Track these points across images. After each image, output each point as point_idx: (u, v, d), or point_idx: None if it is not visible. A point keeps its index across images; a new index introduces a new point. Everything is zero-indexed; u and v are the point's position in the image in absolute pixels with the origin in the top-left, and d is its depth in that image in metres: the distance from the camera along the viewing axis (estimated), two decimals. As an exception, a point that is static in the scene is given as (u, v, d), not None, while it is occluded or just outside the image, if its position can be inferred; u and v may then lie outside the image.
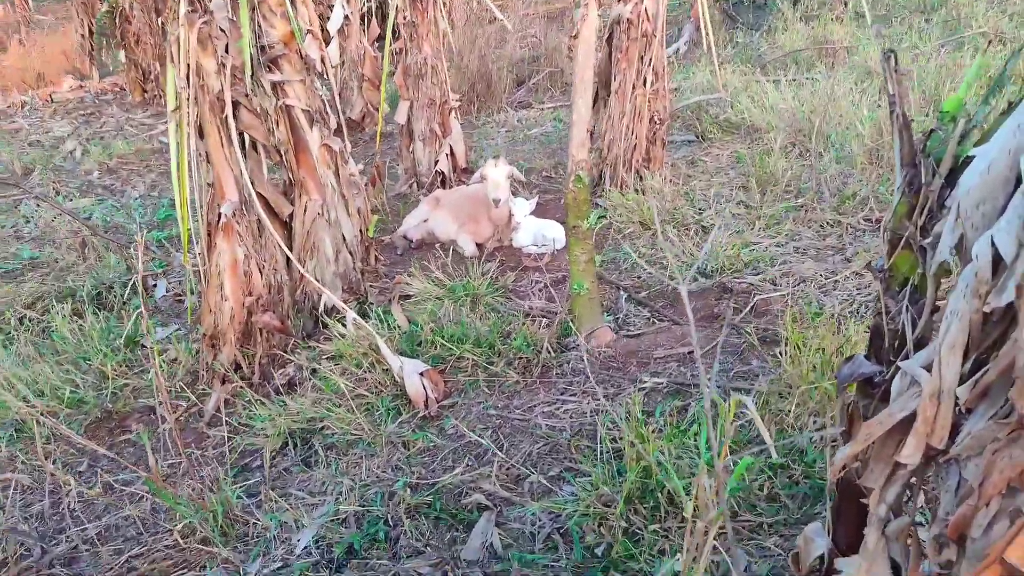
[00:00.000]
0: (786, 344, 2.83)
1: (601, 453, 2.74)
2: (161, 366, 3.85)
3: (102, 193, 7.36)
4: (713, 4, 10.58)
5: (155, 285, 5.04)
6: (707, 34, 5.39)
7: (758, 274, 3.93)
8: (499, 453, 2.87)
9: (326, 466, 2.97)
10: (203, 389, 3.64)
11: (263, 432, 3.18)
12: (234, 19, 3.43)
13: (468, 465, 2.85)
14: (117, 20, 11.54)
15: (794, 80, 6.92)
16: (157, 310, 4.72)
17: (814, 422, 2.57)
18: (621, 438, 2.69)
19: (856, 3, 10.56)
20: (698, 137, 6.51)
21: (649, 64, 5.12)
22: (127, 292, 4.69)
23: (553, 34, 10.53)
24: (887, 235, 1.61)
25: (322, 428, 3.19)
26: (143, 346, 4.16)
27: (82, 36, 12.97)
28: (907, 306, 1.55)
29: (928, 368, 1.37)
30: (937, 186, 1.49)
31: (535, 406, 3.17)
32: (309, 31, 3.79)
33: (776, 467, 2.48)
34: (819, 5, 10.60)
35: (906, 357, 1.58)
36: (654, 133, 5.33)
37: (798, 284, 3.75)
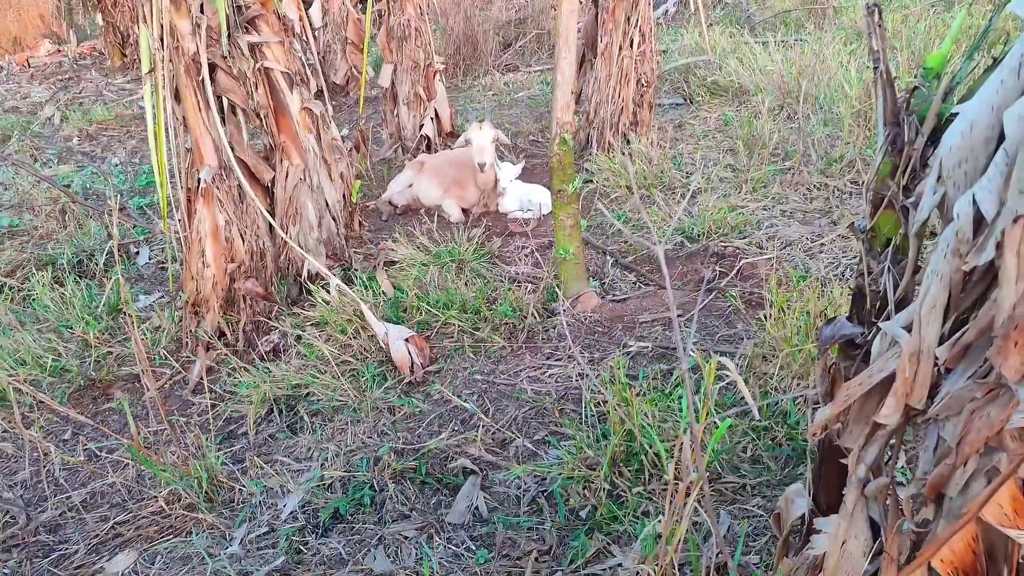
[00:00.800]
0: (771, 307, 2.83)
1: (586, 417, 2.74)
2: (144, 334, 3.83)
3: (82, 160, 7.23)
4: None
5: (137, 252, 4.98)
6: (695, -6, 5.30)
7: (744, 238, 3.92)
8: (484, 418, 2.87)
9: (311, 432, 2.97)
10: (187, 356, 3.61)
11: (247, 399, 3.17)
12: (209, -23, 3.33)
13: (454, 430, 2.85)
14: (95, -19, 11.25)
15: (783, 42, 6.84)
16: (140, 277, 4.67)
17: (798, 384, 2.58)
18: (606, 402, 2.69)
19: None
20: (686, 100, 6.45)
21: (636, 25, 5.04)
22: (108, 259, 4.64)
23: (540, -5, 10.35)
24: (869, 195, 1.59)
25: (307, 394, 3.18)
26: (126, 314, 4.12)
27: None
28: (889, 267, 1.54)
29: (908, 328, 1.37)
30: (920, 145, 1.47)
31: (521, 371, 3.17)
32: (287, -10, 3.69)
33: (760, 429, 2.50)
34: (809, -36, 10.45)
35: (888, 318, 1.57)
36: (641, 96, 5.28)
37: (784, 248, 3.75)
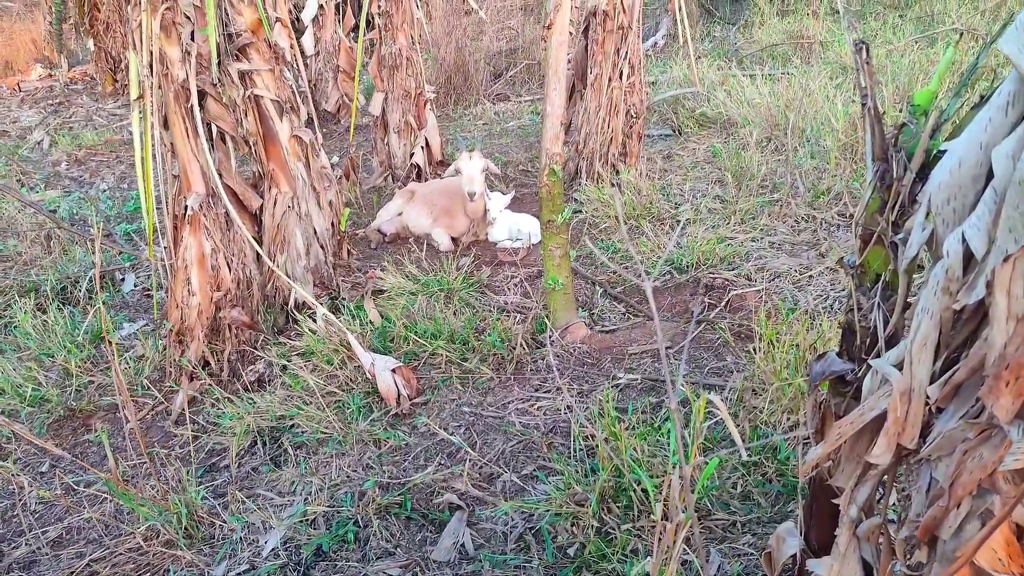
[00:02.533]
0: (760, 340, 2.81)
1: (574, 451, 2.71)
2: (128, 363, 3.77)
3: (69, 185, 7.19)
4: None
5: (123, 279, 4.93)
6: (684, 28, 5.36)
7: (733, 269, 3.92)
8: (471, 452, 2.83)
9: (295, 465, 2.91)
10: (170, 386, 3.56)
11: (231, 430, 3.11)
12: (199, 5, 3.34)
13: (440, 464, 2.80)
14: (86, 7, 11.30)
15: (770, 75, 6.93)
16: (125, 305, 4.62)
17: (788, 419, 2.56)
18: (594, 436, 2.66)
19: (832, 1, 10.62)
20: (675, 131, 6.50)
21: (625, 57, 5.09)
22: (93, 286, 4.58)
23: (530, 26, 10.47)
24: (858, 230, 1.59)
25: (291, 426, 3.13)
26: (108, 342, 4.06)
27: (50, 24, 12.69)
28: (879, 303, 1.53)
29: (899, 366, 1.35)
30: (908, 181, 1.47)
31: (509, 403, 3.13)
32: (278, 19, 3.71)
33: (749, 465, 2.47)
34: (795, 0, 10.65)
35: (878, 355, 1.56)
36: (630, 127, 5.31)
37: (773, 279, 3.75)
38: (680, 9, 5.40)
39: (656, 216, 4.58)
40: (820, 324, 2.86)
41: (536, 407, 3.07)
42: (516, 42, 10.28)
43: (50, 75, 12.47)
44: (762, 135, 5.39)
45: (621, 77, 5.10)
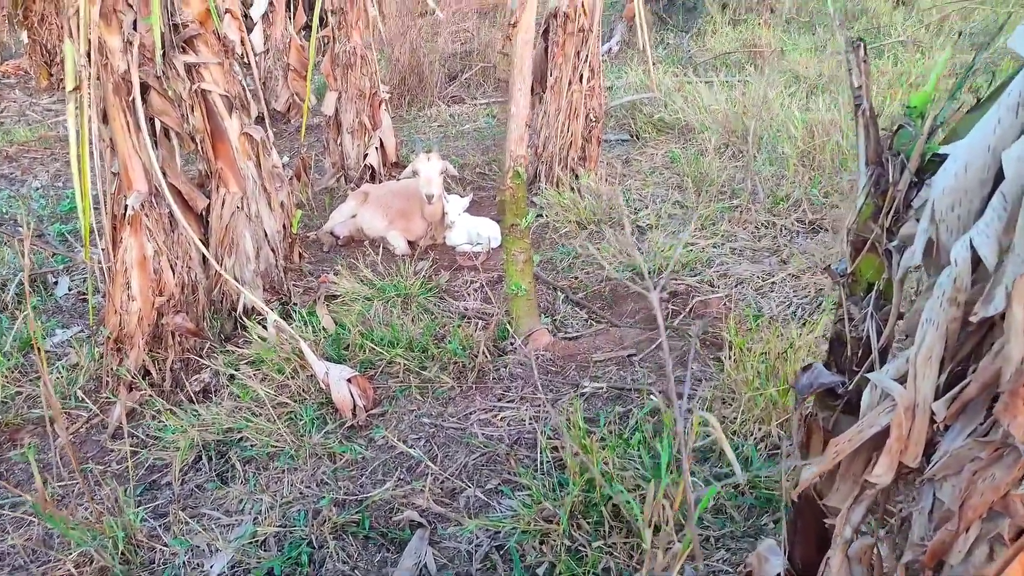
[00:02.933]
0: (729, 349, 2.75)
1: (541, 464, 2.60)
2: (60, 372, 3.53)
3: (-1, 183, 6.80)
4: (644, 5, 10.63)
5: (56, 282, 4.64)
6: (643, 34, 5.33)
7: (695, 275, 3.87)
8: (432, 465, 2.70)
9: (243, 482, 2.73)
10: (107, 397, 3.33)
11: (173, 445, 2.91)
12: (143, -7, 3.14)
13: (399, 479, 2.67)
14: (21, -2, 10.77)
15: (726, 82, 6.97)
16: (58, 309, 4.34)
17: (759, 429, 2.50)
18: (562, 448, 2.56)
19: (783, 9, 10.81)
20: (632, 136, 6.47)
21: (585, 60, 5.03)
22: (22, 290, 4.30)
23: (486, 29, 10.38)
24: (850, 237, 1.52)
25: (240, 439, 2.95)
26: (38, 349, 3.80)
27: (-13, 13, 12.07)
28: (872, 313, 1.47)
29: (901, 380, 1.28)
30: (905, 185, 1.41)
31: (471, 414, 3.01)
32: (228, 10, 3.53)
33: (721, 477, 2.40)
34: (746, 10, 10.80)
35: (871, 367, 1.49)
36: (590, 131, 5.25)
37: (736, 286, 3.72)
38: (639, 15, 5.37)
39: (617, 221, 4.52)
40: (789, 332, 2.81)
41: (499, 418, 2.96)
42: (471, 44, 10.17)
43: (-20, 68, 11.84)
44: (720, 141, 5.39)
45: (581, 80, 5.04)
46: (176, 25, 3.34)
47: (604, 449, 2.38)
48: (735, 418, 2.57)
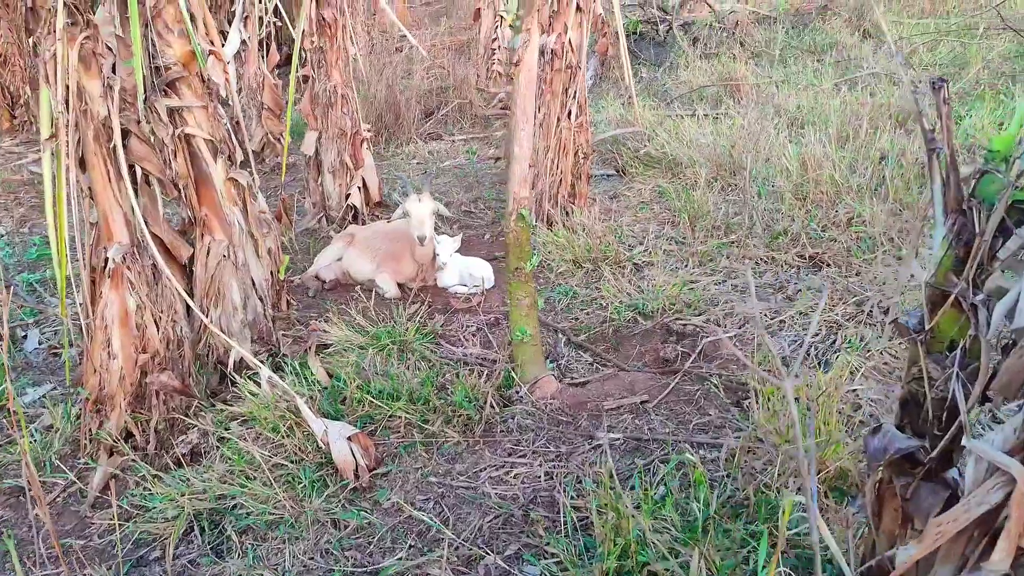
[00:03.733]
0: (756, 396, 2.63)
1: (563, 525, 2.44)
2: (33, 435, 3.29)
3: (-40, 229, 6.50)
4: (615, 40, 10.71)
5: (25, 336, 4.39)
6: (627, 69, 5.29)
7: (700, 314, 3.77)
8: (446, 530, 2.52)
9: (241, 555, 2.53)
10: (85, 463, 3.10)
11: (162, 515, 2.70)
12: (122, 35, 2.99)
13: (411, 547, 2.48)
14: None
15: (706, 115, 6.97)
16: (27, 366, 4.09)
17: (794, 482, 2.37)
18: (586, 508, 2.41)
19: (752, 45, 10.98)
20: (617, 171, 6.42)
21: (573, 97, 4.97)
22: (-10, 347, 4.04)
23: (461, 65, 10.35)
24: (927, 291, 1.42)
25: (234, 507, 2.74)
26: (10, 411, 3.55)
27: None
28: (958, 373, 1.35)
29: (1011, 452, 1.17)
30: (990, 235, 1.31)
31: (481, 471, 2.84)
32: (211, 52, 3.38)
33: (758, 535, 2.26)
34: (717, 44, 10.93)
35: (957, 432, 1.38)
36: (579, 168, 5.18)
37: (743, 325, 3.62)
38: (623, 49, 5.34)
39: (613, 259, 4.41)
40: (816, 378, 2.69)
41: (512, 475, 2.80)
42: (447, 81, 10.12)
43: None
44: (709, 175, 5.34)
45: (570, 117, 4.98)
46: (158, 68, 3.19)
47: (640, 513, 2.22)
48: (765, 470, 2.45)
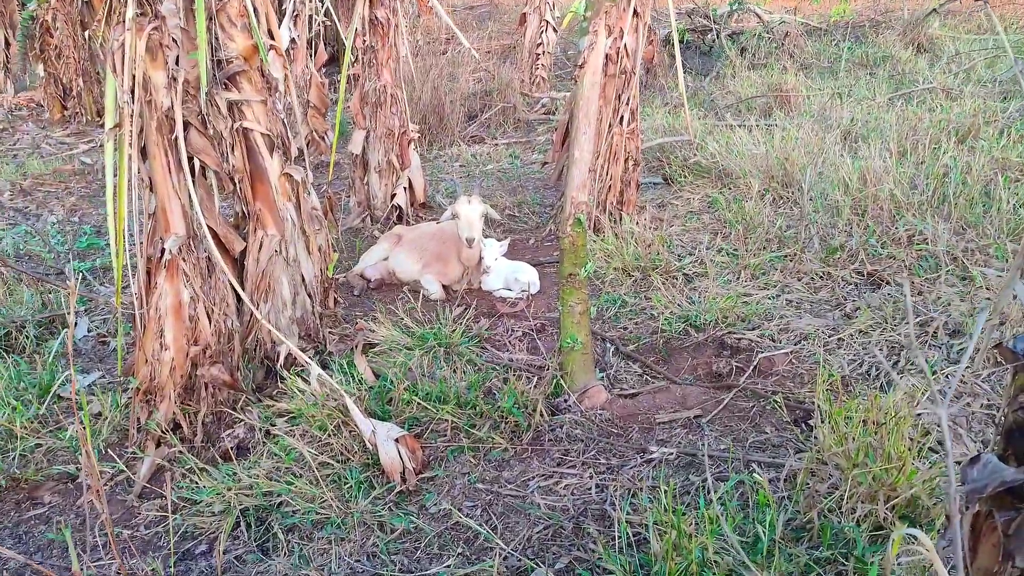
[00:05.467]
0: (821, 417, 2.54)
1: (617, 540, 2.37)
2: (82, 422, 3.30)
3: (14, 217, 6.64)
4: (664, 48, 10.61)
5: (76, 323, 4.44)
6: (680, 75, 5.20)
7: (754, 329, 3.67)
8: (495, 539, 2.47)
9: (287, 553, 2.50)
10: (133, 452, 3.11)
11: (209, 509, 2.68)
12: (187, 27, 3.00)
13: (459, 554, 2.43)
14: (37, 32, 10.74)
15: (756, 125, 6.85)
16: (77, 353, 4.13)
17: (862, 508, 2.28)
18: (640, 523, 2.34)
19: (802, 56, 10.80)
20: (665, 180, 6.33)
21: (627, 103, 4.90)
22: (42, 332, 4.10)
23: (506, 69, 10.33)
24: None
25: (280, 504, 2.72)
26: (60, 397, 3.58)
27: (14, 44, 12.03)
28: (1077, 403, 1.27)
29: None
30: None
31: (529, 479, 2.79)
32: (273, 47, 3.38)
33: (823, 562, 2.17)
34: (766, 55, 10.78)
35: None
36: (627, 175, 5.10)
37: (799, 342, 3.52)
38: (677, 56, 5.26)
39: (664, 269, 4.33)
40: (885, 400, 2.58)
41: (561, 485, 2.74)
42: (490, 84, 10.11)
43: (-6, 100, 11.78)
44: (761, 186, 5.24)
45: (622, 123, 4.91)
46: (220, 61, 3.20)
47: (702, 534, 2.15)
48: (833, 494, 2.35)
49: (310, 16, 8.72)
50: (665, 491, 2.29)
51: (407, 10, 10.99)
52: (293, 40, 8.99)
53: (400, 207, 5.88)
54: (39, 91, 11.36)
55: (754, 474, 2.39)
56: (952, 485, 1.14)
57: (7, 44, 11.94)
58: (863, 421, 2.37)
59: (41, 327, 4.18)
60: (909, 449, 2.29)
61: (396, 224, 5.66)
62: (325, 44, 9.16)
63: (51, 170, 8.06)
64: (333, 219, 5.57)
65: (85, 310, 4.51)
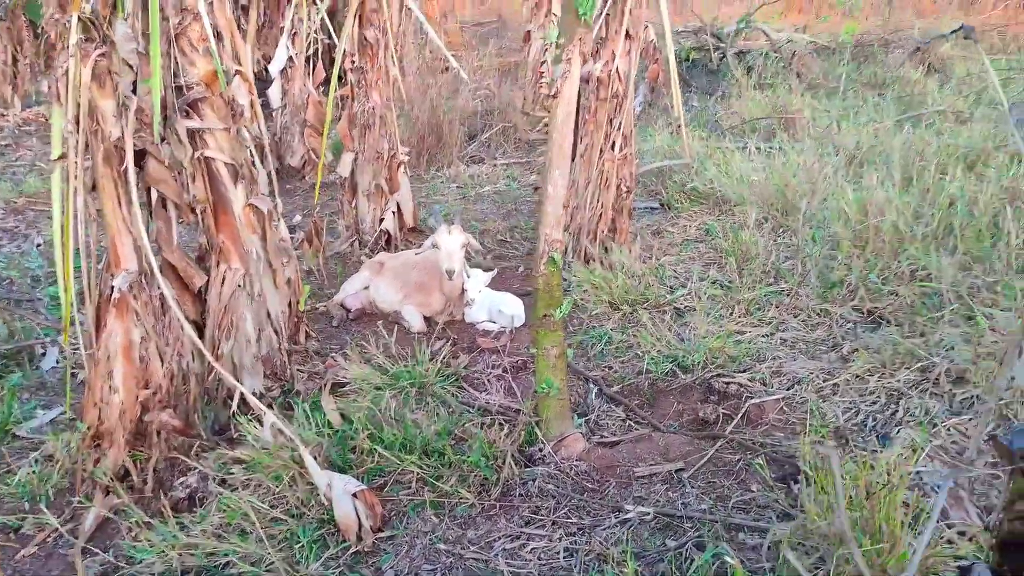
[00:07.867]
0: (807, 482, 2.33)
1: (580, 617, 2.17)
2: (33, 465, 3.14)
3: (1, 237, 6.52)
4: (666, 66, 10.45)
5: (43, 353, 4.28)
6: (677, 98, 5.01)
7: (744, 371, 3.47)
8: (450, 612, 2.27)
9: (226, 623, 2.31)
10: (80, 501, 2.93)
11: (149, 571, 2.50)
12: (146, 52, 2.85)
13: (410, 628, 2.24)
14: (43, 47, 10.72)
15: (758, 149, 6.65)
16: (42, 386, 3.97)
17: (849, 589, 2.06)
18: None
19: (809, 76, 10.60)
20: (662, 205, 6.14)
21: (619, 128, 4.72)
22: (3, 364, 3.95)
23: (507, 88, 10.19)
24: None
25: (226, 565, 2.52)
26: (16, 436, 3.42)
27: (3, 63, 12.03)
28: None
29: None
30: None
31: (494, 540, 2.58)
32: (238, 71, 3.23)
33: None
34: (772, 74, 10.59)
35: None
36: (621, 202, 4.91)
37: (791, 386, 3.30)
38: (673, 77, 5.08)
39: (653, 303, 4.13)
40: (876, 461, 2.36)
41: (528, 549, 2.53)
42: (492, 103, 9.97)
43: (1, 115, 11.77)
44: (760, 215, 5.03)
45: (613, 148, 4.73)
46: (180, 87, 3.05)
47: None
48: (816, 570, 2.14)
49: (309, 34, 8.63)
50: (636, 553, 2.09)
51: (414, 27, 10.92)
52: (290, 58, 8.91)
53: (389, 232, 5.71)
54: (46, 107, 11.31)
55: (730, 550, 2.17)
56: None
57: (14, 60, 11.94)
58: (856, 488, 2.16)
59: (6, 358, 4.02)
60: (902, 523, 2.08)
61: (383, 250, 5.50)
62: (325, 63, 9.08)
63: (47, 188, 7.95)
64: (319, 244, 5.43)
65: (52, 341, 4.35)
